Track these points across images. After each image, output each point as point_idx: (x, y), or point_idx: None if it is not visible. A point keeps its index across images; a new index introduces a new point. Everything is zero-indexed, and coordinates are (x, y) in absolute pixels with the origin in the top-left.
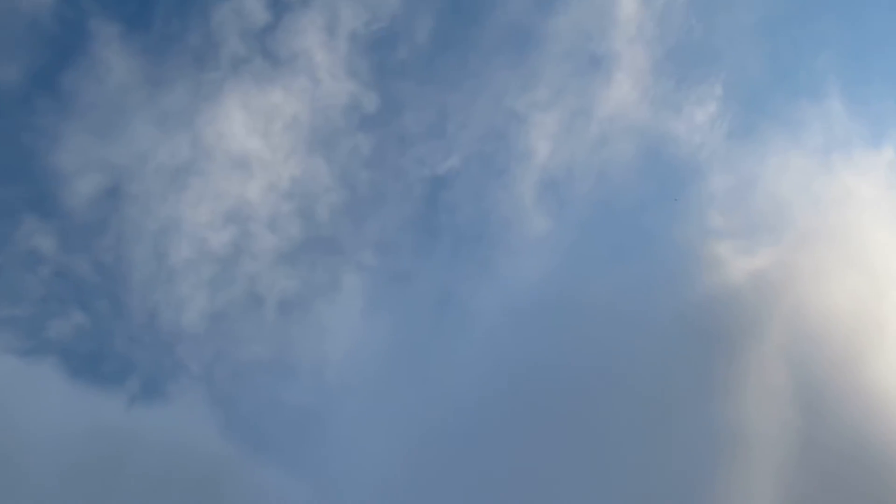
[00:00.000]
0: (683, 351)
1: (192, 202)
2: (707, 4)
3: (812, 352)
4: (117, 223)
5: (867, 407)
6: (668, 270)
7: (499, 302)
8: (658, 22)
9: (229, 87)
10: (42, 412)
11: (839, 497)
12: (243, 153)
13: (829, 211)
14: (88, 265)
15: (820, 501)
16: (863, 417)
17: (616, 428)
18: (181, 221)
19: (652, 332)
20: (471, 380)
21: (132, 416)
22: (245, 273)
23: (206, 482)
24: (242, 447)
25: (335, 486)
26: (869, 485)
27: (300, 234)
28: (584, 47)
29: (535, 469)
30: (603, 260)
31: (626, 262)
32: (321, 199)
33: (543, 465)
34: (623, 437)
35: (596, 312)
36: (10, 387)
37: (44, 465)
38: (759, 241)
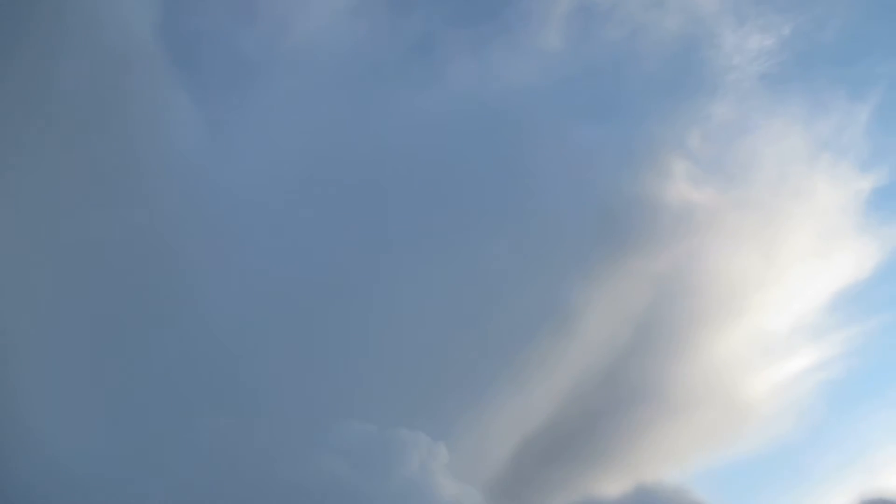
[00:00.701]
0: (583, 226)
1: None
2: None
3: (679, 297)
4: None
5: (688, 367)
6: (622, 153)
7: (469, 79)
8: None
9: None
10: None
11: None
12: None
13: (790, 198)
14: None
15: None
16: (681, 374)
17: (480, 265)
18: None
19: (567, 198)
20: (406, 128)
21: None
22: None
23: (120, 60)
24: (173, 52)
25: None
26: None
27: None
28: None
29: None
30: (576, 107)
31: (592, 123)
32: None
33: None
34: (481, 272)
35: (538, 143)
36: None
37: None
38: (713, 180)
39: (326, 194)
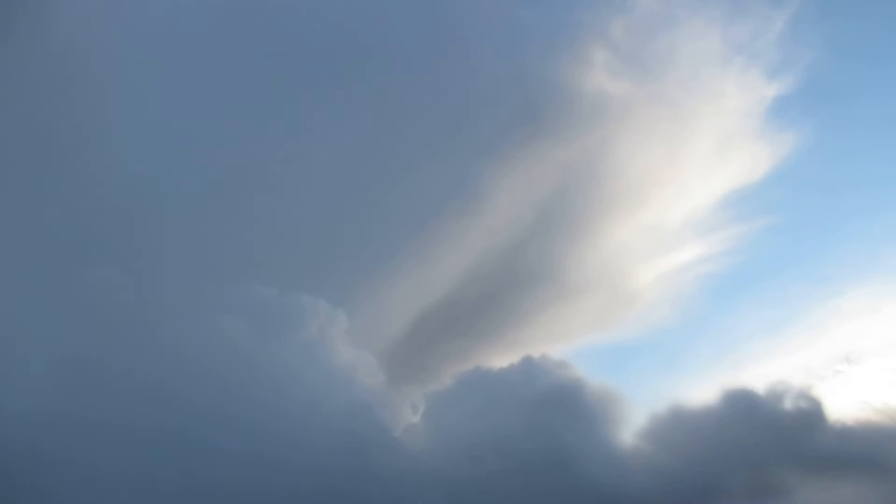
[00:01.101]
0: (499, 106)
1: None
2: None
3: (584, 185)
4: None
5: (584, 253)
6: (546, 35)
7: None
8: None
9: None
10: None
11: None
12: None
13: (699, 98)
14: None
15: None
16: (577, 259)
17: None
18: None
19: (487, 75)
20: None
21: None
22: None
23: None
24: None
25: None
26: None
27: None
28: None
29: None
30: None
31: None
32: None
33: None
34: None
35: (466, 16)
36: None
37: None
38: (629, 72)
39: (239, 46)
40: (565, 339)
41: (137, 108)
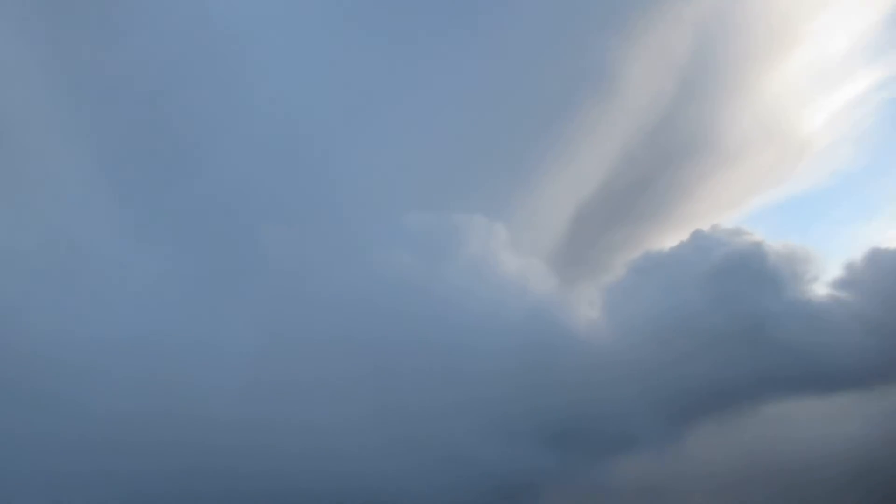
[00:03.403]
0: None
1: None
2: None
3: (724, 38)
4: None
5: (739, 110)
6: None
7: None
8: None
9: None
10: None
11: None
12: None
13: None
14: None
15: None
16: (732, 118)
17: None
18: None
19: None
20: None
21: None
22: None
23: None
24: None
25: None
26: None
27: None
28: None
29: None
30: None
31: None
32: None
33: None
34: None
35: None
36: None
37: None
38: None
39: None
40: (735, 205)
41: (274, 76)
